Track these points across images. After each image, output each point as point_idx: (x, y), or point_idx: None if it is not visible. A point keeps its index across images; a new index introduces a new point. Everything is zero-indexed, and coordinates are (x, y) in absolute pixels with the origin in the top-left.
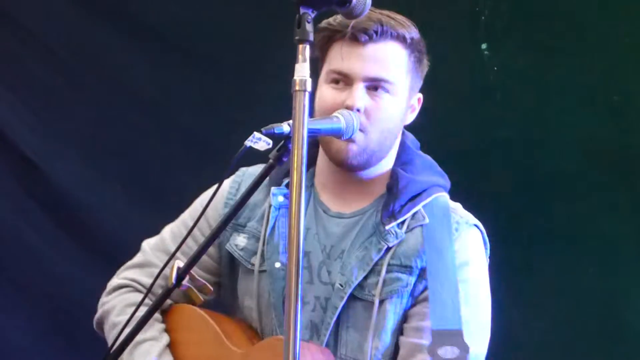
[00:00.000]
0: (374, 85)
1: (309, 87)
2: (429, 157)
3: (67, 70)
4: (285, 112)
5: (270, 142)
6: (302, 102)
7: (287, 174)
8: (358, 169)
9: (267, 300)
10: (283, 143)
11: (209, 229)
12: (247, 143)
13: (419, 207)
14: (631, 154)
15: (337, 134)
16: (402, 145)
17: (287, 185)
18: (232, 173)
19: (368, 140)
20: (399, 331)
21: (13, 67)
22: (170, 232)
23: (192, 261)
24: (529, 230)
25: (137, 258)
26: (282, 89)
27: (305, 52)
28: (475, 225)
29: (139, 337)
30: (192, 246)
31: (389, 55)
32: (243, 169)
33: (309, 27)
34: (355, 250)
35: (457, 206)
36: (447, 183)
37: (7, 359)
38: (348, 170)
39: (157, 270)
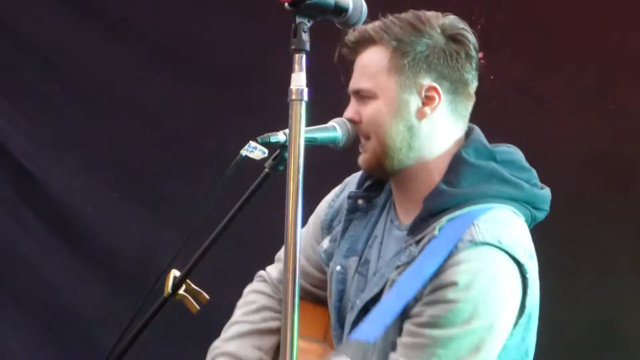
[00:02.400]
0: (358, 95)
1: (305, 97)
2: (491, 166)
3: (62, 78)
4: (282, 120)
5: (266, 151)
6: (298, 112)
7: (370, 175)
8: (384, 175)
9: (331, 303)
10: (279, 152)
11: (317, 227)
12: (243, 152)
13: (442, 220)
14: (627, 161)
15: (333, 142)
16: (455, 156)
17: (367, 189)
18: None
19: (372, 144)
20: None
21: (8, 75)
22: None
23: (188, 270)
24: None
25: (280, 251)
26: (278, 98)
27: (301, 61)
28: (490, 245)
29: None
30: (307, 246)
31: (366, 62)
32: (353, 175)
33: (305, 36)
34: (386, 265)
35: (490, 219)
36: (514, 191)
37: None
38: (380, 178)
39: (281, 266)
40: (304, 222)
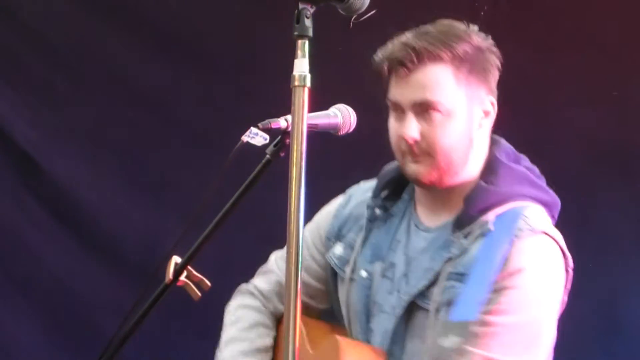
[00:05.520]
0: (423, 109)
1: (308, 83)
2: (521, 169)
3: (66, 66)
4: (284, 107)
5: (267, 137)
6: (301, 98)
7: (385, 187)
8: (436, 186)
9: (354, 308)
10: (280, 138)
11: (318, 238)
12: (244, 138)
13: (489, 216)
14: (631, 149)
15: (335, 128)
16: (490, 156)
17: (385, 198)
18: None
19: (434, 161)
20: None
21: (12, 63)
22: None
23: (190, 257)
24: None
25: (264, 265)
26: (281, 84)
27: (304, 47)
28: (545, 233)
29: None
30: (305, 256)
31: (432, 78)
32: (357, 185)
33: (307, 22)
34: (425, 261)
35: (534, 213)
36: (542, 194)
37: (7, 354)
38: (427, 188)
39: (275, 277)
40: (306, 211)
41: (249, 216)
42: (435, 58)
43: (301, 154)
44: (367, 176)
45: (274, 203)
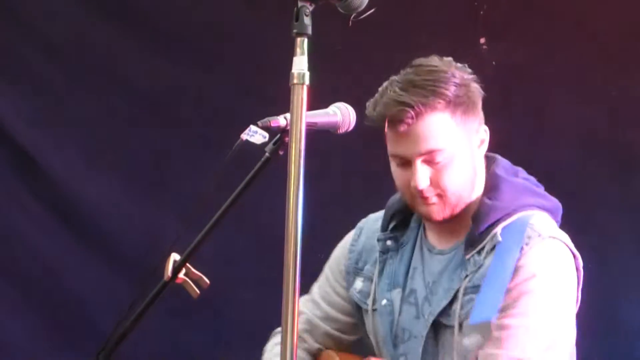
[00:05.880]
0: (430, 157)
1: (307, 81)
2: (521, 181)
3: (65, 63)
4: (283, 105)
5: (267, 135)
6: (300, 96)
7: (392, 218)
8: (450, 219)
9: (381, 336)
10: (280, 136)
11: (339, 273)
12: (244, 136)
13: (497, 229)
14: (629, 147)
15: (334, 127)
16: (490, 174)
17: (392, 230)
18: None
19: (446, 200)
20: None
21: (11, 59)
22: (317, 286)
23: (188, 254)
24: None
25: None
26: (280, 82)
27: (303, 45)
28: (552, 237)
29: None
30: (330, 292)
31: (433, 128)
32: (365, 219)
33: (307, 20)
34: (445, 282)
35: (539, 220)
36: (544, 201)
37: (3, 350)
38: (440, 224)
39: (305, 317)
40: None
41: (248, 214)
42: (432, 109)
43: (300, 152)
44: (365, 176)
45: (272, 201)
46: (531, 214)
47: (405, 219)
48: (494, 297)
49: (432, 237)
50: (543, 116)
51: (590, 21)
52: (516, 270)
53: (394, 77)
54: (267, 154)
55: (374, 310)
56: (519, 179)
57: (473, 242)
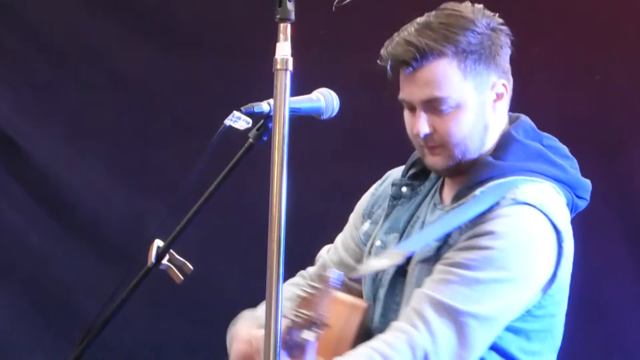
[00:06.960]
0: (432, 105)
1: (290, 66)
2: (536, 146)
3: (48, 49)
4: (266, 91)
5: (250, 121)
6: (283, 81)
7: (412, 165)
8: (454, 172)
9: (365, 278)
10: (263, 122)
11: (357, 217)
12: (227, 122)
13: (483, 187)
14: (612, 133)
15: (317, 112)
16: (504, 132)
17: (411, 177)
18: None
19: (449, 151)
20: None
21: None
22: (341, 233)
23: (172, 240)
24: None
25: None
26: (263, 68)
27: (286, 31)
28: (532, 205)
29: None
30: (347, 236)
31: (437, 75)
32: (395, 169)
33: (290, 5)
34: (417, 230)
35: (530, 187)
36: (558, 172)
37: None
38: (446, 175)
39: (321, 261)
40: (288, 195)
41: (232, 200)
42: (439, 54)
43: (283, 137)
44: (351, 161)
45: (256, 187)
46: (529, 179)
47: (427, 169)
48: (423, 239)
49: (446, 193)
50: (525, 101)
51: (575, 6)
52: (476, 224)
53: (417, 19)
54: (250, 140)
55: (369, 252)
56: (534, 143)
57: (460, 196)
